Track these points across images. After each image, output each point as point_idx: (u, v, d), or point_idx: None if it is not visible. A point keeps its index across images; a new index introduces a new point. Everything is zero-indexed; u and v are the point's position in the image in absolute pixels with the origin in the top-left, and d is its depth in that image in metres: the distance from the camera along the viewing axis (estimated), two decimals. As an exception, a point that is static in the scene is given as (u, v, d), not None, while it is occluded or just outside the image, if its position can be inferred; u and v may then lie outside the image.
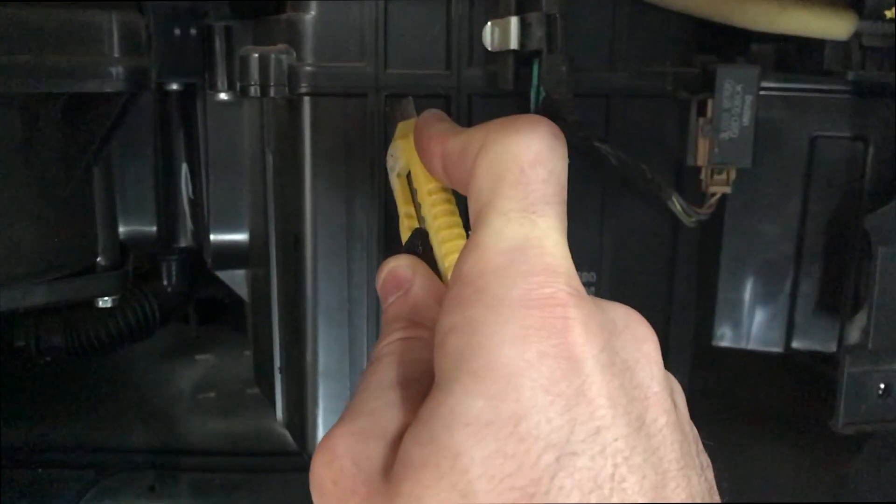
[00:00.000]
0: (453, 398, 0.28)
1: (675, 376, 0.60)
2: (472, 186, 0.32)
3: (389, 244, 0.51)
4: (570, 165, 0.52)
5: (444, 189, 0.38)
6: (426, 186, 0.38)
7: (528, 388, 0.27)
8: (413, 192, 0.40)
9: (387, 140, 0.44)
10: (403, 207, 0.40)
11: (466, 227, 0.35)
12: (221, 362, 0.87)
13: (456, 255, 0.34)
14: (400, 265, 0.37)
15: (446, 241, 0.37)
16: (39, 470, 0.83)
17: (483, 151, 0.32)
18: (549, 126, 0.32)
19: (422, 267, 0.37)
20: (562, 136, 0.32)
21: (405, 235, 0.40)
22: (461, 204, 0.36)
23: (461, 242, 0.36)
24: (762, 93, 0.53)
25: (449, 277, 0.34)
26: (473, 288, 0.30)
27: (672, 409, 0.30)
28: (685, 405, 0.33)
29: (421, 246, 0.38)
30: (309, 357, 0.52)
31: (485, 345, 0.28)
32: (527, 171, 0.31)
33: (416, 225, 0.39)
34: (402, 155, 0.41)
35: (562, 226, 0.31)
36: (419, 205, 0.39)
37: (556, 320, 0.28)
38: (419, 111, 0.48)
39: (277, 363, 0.57)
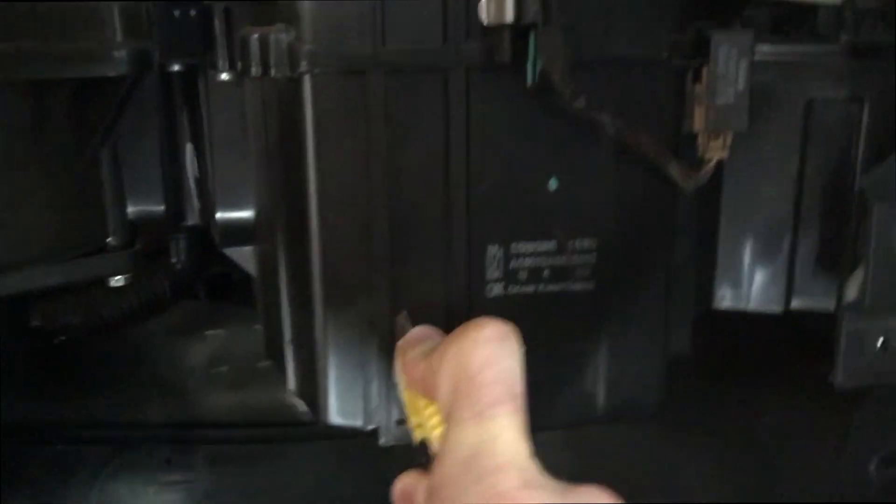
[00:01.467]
0: None
1: (676, 340, 0.62)
2: (438, 400, 0.37)
3: (393, 223, 0.52)
4: (570, 133, 0.54)
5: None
6: (421, 402, 0.43)
7: None
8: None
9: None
10: (413, 419, 0.46)
11: None
12: (232, 337, 0.89)
13: None
14: (406, 483, 0.42)
15: None
16: (58, 446, 0.85)
17: (441, 365, 0.37)
18: (495, 326, 0.36)
19: (423, 481, 0.40)
20: (509, 332, 0.36)
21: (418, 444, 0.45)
22: None
23: None
24: (757, 58, 0.54)
25: None
26: (439, 499, 0.33)
27: None
28: None
29: (425, 457, 0.42)
30: (318, 328, 0.54)
31: None
32: (475, 378, 0.35)
33: (425, 433, 0.44)
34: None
35: (513, 422, 0.34)
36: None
37: None
38: (418, 90, 0.50)
39: (287, 336, 0.59)
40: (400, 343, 0.45)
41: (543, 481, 0.33)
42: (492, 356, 0.35)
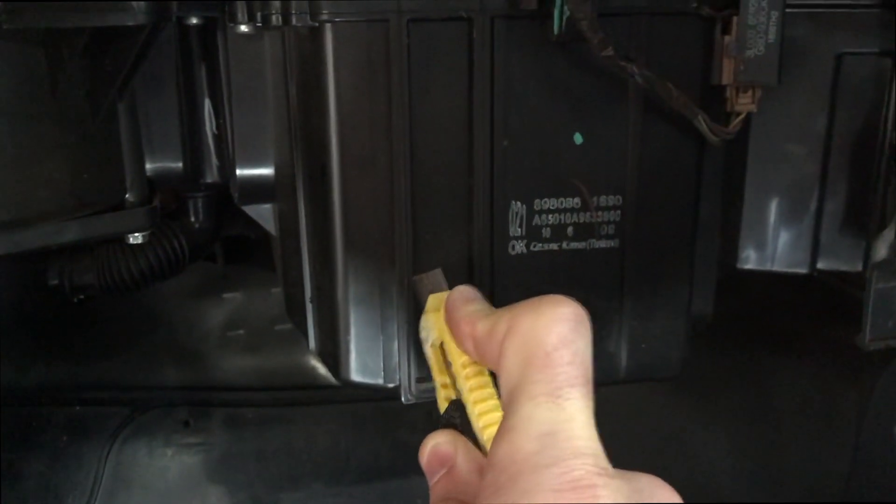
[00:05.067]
0: None
1: (700, 301, 0.61)
2: (503, 369, 0.35)
3: (415, 178, 0.51)
4: (596, 86, 0.53)
5: (476, 362, 0.40)
6: (459, 360, 0.41)
7: None
8: (447, 364, 0.43)
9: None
10: (439, 378, 0.44)
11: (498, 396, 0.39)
12: (249, 300, 0.89)
13: (494, 428, 0.37)
14: (441, 442, 0.40)
15: (483, 414, 0.40)
16: (77, 408, 0.85)
17: (510, 335, 0.35)
18: (572, 306, 0.35)
19: (461, 442, 0.40)
20: (584, 315, 0.35)
21: (443, 405, 0.43)
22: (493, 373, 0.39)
23: (497, 415, 0.39)
24: (787, 10, 0.53)
25: (488, 448, 0.37)
26: (507, 475, 0.32)
27: None
28: None
29: (458, 418, 0.41)
30: (339, 286, 0.53)
31: None
32: (552, 355, 0.33)
33: (452, 395, 0.43)
34: (433, 327, 0.45)
35: (588, 406, 0.33)
36: (454, 376, 0.42)
37: (587, 500, 0.30)
38: (441, 39, 0.49)
39: (308, 294, 0.58)
40: (450, 296, 0.43)
41: (614, 471, 0.32)
42: (569, 335, 0.34)
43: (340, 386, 0.57)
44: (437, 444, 0.40)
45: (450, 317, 0.41)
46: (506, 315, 0.36)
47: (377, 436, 0.90)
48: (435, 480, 0.40)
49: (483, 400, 0.40)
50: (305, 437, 0.89)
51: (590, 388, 0.34)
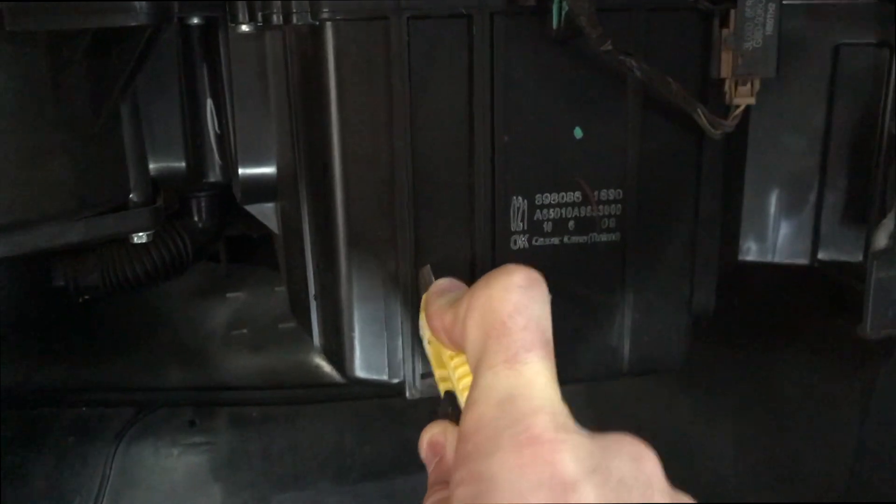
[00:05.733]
0: None
1: (701, 293, 0.61)
2: (467, 347, 0.37)
3: (417, 174, 0.51)
4: (595, 80, 0.53)
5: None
6: (447, 353, 0.43)
7: None
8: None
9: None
10: (438, 371, 0.46)
11: None
12: (252, 299, 0.89)
13: None
14: (435, 433, 0.42)
15: None
16: (83, 409, 0.86)
17: (468, 312, 0.36)
18: (524, 272, 0.36)
19: (451, 430, 0.41)
20: (538, 278, 0.36)
21: (443, 397, 0.45)
22: None
23: None
24: (784, 2, 0.53)
25: None
26: (473, 443, 0.33)
27: None
28: None
29: (451, 408, 0.43)
30: (343, 283, 0.53)
31: (487, 490, 0.31)
32: (507, 323, 0.34)
33: (449, 387, 0.44)
34: (426, 325, 0.45)
35: (546, 367, 0.34)
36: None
37: (546, 454, 0.31)
38: (441, 36, 0.49)
39: (312, 291, 0.58)
40: (425, 294, 0.45)
41: (575, 427, 0.33)
42: (522, 302, 0.35)
43: (345, 384, 0.57)
44: (432, 436, 0.42)
45: (426, 315, 0.43)
46: (465, 297, 0.37)
47: (382, 433, 0.91)
48: (430, 469, 0.41)
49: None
50: (311, 435, 0.90)
51: (549, 349, 0.35)
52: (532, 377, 0.33)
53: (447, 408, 0.43)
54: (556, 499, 0.30)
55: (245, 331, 0.88)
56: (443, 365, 0.45)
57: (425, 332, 0.46)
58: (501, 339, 0.34)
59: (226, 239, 0.80)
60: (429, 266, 0.49)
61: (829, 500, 0.75)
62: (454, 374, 0.42)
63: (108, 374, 0.86)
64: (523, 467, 0.31)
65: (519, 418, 0.32)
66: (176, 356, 0.87)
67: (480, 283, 0.36)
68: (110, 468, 0.86)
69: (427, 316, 0.43)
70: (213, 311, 0.88)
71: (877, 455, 0.70)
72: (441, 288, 0.44)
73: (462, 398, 0.41)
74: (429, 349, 0.47)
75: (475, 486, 0.32)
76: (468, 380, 0.41)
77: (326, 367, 0.86)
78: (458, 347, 0.41)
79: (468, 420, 0.34)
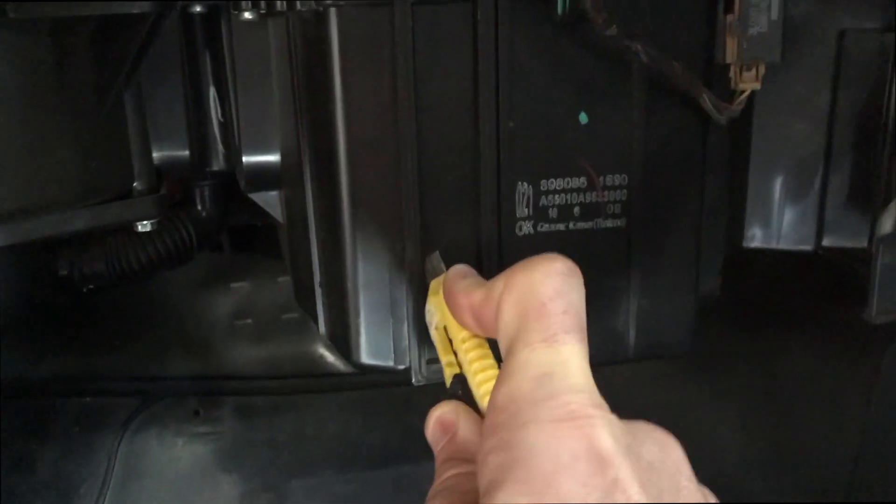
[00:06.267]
0: (499, 501, 0.31)
1: (706, 280, 0.61)
2: (500, 324, 0.36)
3: (422, 160, 0.51)
4: (600, 65, 0.53)
5: (476, 336, 0.42)
6: (459, 336, 0.43)
7: (565, 484, 0.30)
8: (451, 342, 0.45)
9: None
10: (444, 357, 0.45)
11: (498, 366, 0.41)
12: (256, 289, 0.89)
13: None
14: (444, 412, 0.42)
15: (483, 382, 0.41)
16: (88, 398, 0.86)
17: (507, 291, 0.37)
18: (565, 262, 0.37)
19: (463, 409, 0.41)
20: (577, 270, 0.37)
21: (448, 382, 0.44)
22: (493, 348, 0.41)
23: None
24: (790, -13, 0.53)
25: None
26: (508, 413, 0.33)
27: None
28: None
29: (461, 390, 0.43)
30: (348, 269, 0.53)
31: (522, 457, 0.31)
32: (547, 305, 0.35)
33: (456, 370, 0.44)
34: (436, 310, 0.46)
35: (582, 350, 0.34)
36: (457, 353, 0.44)
37: (584, 428, 0.31)
38: (445, 21, 0.49)
39: (317, 278, 0.58)
40: (438, 278, 0.45)
41: (608, 409, 0.33)
42: (563, 287, 0.35)
43: (350, 373, 0.57)
44: (441, 414, 0.41)
45: (447, 293, 0.43)
46: (501, 278, 0.38)
47: (387, 422, 0.91)
48: (439, 448, 0.41)
49: (483, 370, 0.41)
50: (316, 424, 0.90)
51: (584, 336, 0.35)
52: (570, 356, 0.34)
53: (457, 390, 0.43)
54: (593, 471, 0.30)
55: (249, 320, 0.88)
56: (449, 351, 0.45)
57: (433, 318, 0.46)
58: (542, 320, 0.35)
59: (229, 228, 0.80)
60: (437, 252, 0.49)
61: (832, 485, 0.76)
62: (465, 357, 0.42)
63: (113, 363, 0.86)
64: (561, 438, 0.31)
65: (557, 393, 0.32)
66: (180, 346, 0.88)
67: (520, 267, 0.37)
68: (115, 458, 0.86)
69: (450, 294, 0.43)
70: (217, 301, 0.88)
71: (881, 440, 0.70)
72: (463, 272, 0.44)
73: (473, 381, 0.41)
74: (435, 335, 0.47)
75: (510, 454, 0.32)
76: (480, 363, 0.41)
77: (330, 357, 0.86)
78: (483, 327, 0.41)
79: (501, 393, 0.34)
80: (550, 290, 0.35)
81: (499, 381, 0.35)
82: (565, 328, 0.34)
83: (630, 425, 0.33)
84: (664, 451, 0.33)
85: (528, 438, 0.32)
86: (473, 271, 0.44)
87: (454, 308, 0.42)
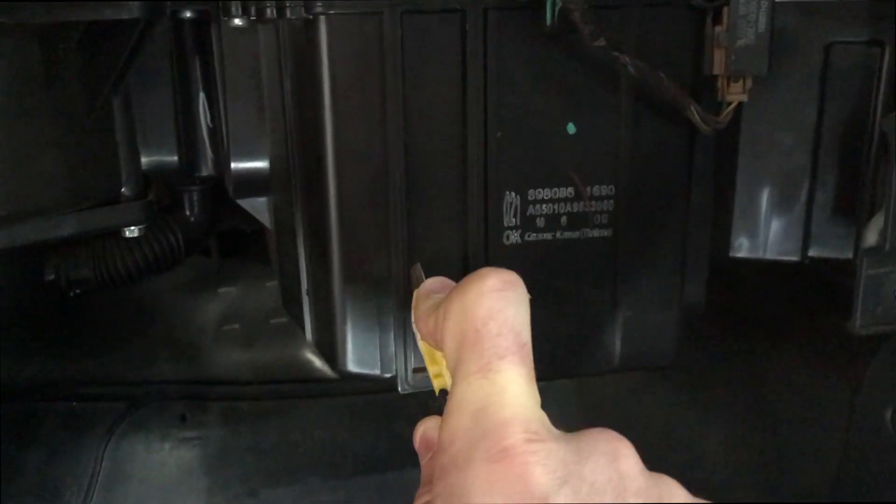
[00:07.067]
0: None
1: (692, 290, 0.61)
2: (445, 354, 0.37)
3: (410, 169, 0.52)
4: (588, 76, 0.53)
5: None
6: (438, 352, 0.42)
7: None
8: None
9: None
10: (431, 368, 0.45)
11: None
12: (244, 294, 0.89)
13: None
14: (428, 427, 0.41)
15: None
16: (74, 403, 0.85)
17: (445, 319, 0.36)
18: (497, 275, 0.35)
19: None
20: (514, 279, 0.35)
21: (437, 393, 0.44)
22: None
23: None
24: (777, 0, 0.53)
25: None
26: (448, 455, 0.33)
27: None
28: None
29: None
30: (335, 277, 0.53)
31: None
32: (481, 331, 0.34)
33: (444, 384, 0.43)
34: None
35: (519, 373, 0.34)
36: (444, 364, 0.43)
37: (517, 468, 0.31)
38: (434, 31, 0.50)
39: (305, 286, 0.58)
40: (415, 295, 0.45)
41: (548, 434, 0.33)
42: (495, 306, 0.35)
43: (337, 379, 0.57)
44: (425, 430, 0.41)
45: (414, 315, 0.43)
46: (444, 303, 0.37)
47: (374, 429, 0.91)
48: (424, 463, 0.41)
49: None
50: (302, 430, 0.90)
51: (524, 353, 0.34)
52: (505, 385, 0.33)
53: (443, 404, 0.43)
54: None
55: (237, 326, 0.88)
56: (436, 361, 0.45)
57: (417, 329, 0.47)
58: (475, 348, 0.34)
59: (218, 233, 0.79)
60: (419, 264, 0.49)
61: (816, 496, 0.76)
62: (447, 372, 0.43)
63: (100, 368, 0.86)
64: (494, 483, 0.31)
65: (491, 430, 0.32)
66: (167, 351, 0.87)
67: (456, 290, 0.36)
68: (101, 462, 0.86)
69: (415, 317, 0.43)
70: (204, 306, 0.88)
71: (864, 449, 0.71)
72: (429, 289, 0.43)
73: None
74: (422, 345, 0.47)
75: (451, 501, 0.32)
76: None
77: (318, 363, 0.86)
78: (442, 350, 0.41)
79: (444, 431, 0.34)
80: (483, 312, 0.34)
81: (443, 417, 0.35)
82: (499, 353, 0.34)
83: (575, 441, 0.33)
84: (612, 465, 0.33)
85: (466, 483, 0.32)
86: (444, 286, 0.43)
87: (421, 333, 0.42)
